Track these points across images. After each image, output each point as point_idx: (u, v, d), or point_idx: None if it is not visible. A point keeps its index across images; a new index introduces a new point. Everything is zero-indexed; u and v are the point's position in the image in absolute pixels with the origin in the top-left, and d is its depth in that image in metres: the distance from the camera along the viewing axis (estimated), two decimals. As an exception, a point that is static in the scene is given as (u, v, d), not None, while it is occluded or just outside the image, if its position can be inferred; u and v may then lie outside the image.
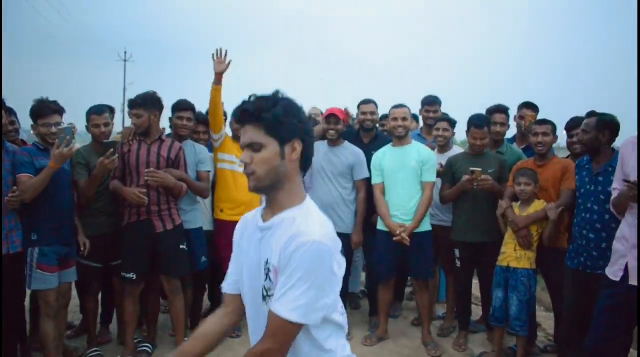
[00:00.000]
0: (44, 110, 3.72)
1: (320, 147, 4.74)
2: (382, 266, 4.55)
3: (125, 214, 3.99)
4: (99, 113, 4.02)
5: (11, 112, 4.12)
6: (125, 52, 45.39)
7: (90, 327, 4.37)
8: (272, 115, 1.65)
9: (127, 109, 4.78)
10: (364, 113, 4.99)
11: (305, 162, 1.76)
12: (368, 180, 4.64)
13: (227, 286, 1.91)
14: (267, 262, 1.68)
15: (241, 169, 4.47)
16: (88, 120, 4.06)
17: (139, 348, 4.27)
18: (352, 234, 4.65)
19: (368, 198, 4.64)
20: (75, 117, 4.32)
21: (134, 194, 3.88)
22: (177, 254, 4.08)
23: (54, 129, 3.63)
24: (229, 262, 4.05)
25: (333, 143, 4.69)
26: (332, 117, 4.62)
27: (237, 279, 1.86)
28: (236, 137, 4.65)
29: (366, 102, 5.02)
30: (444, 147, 4.88)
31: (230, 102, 4.56)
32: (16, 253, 3.61)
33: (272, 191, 1.72)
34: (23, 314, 4.09)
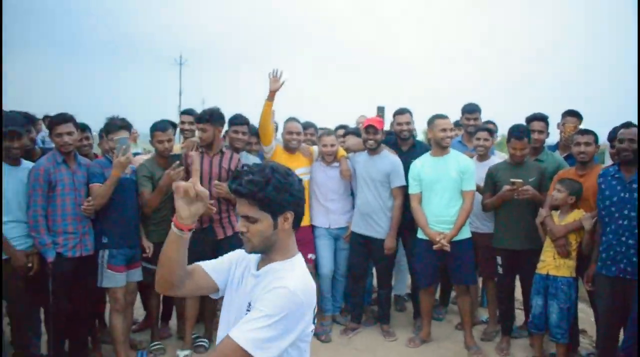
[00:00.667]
0: (112, 126, 4.11)
1: (361, 156, 4.97)
2: (422, 273, 4.73)
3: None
4: (163, 130, 4.37)
5: (85, 128, 4.52)
6: (181, 56, 46.62)
7: (152, 323, 4.76)
8: (265, 196, 1.79)
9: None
10: (399, 123, 5.13)
11: (297, 223, 1.92)
12: (404, 188, 4.79)
13: (205, 266, 2.03)
14: (249, 305, 1.84)
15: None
16: (152, 136, 4.41)
17: (196, 343, 4.61)
18: (385, 239, 4.83)
19: (403, 206, 4.80)
20: (132, 119, 4.61)
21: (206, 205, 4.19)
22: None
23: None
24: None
25: (372, 152, 4.88)
26: (370, 127, 4.82)
27: (216, 270, 2.01)
28: (287, 148, 4.93)
29: (401, 112, 5.16)
30: (483, 156, 5.00)
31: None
32: (88, 255, 4.00)
33: (264, 252, 1.90)
34: (93, 310, 4.47)
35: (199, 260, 4.07)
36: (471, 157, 4.92)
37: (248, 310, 1.83)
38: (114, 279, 4.07)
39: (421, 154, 4.81)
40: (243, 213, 1.83)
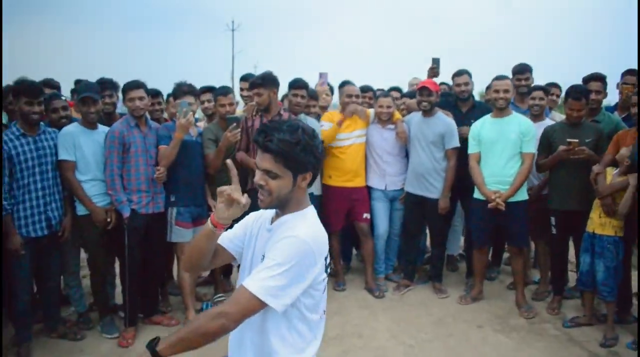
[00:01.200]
0: (179, 92, 4.37)
1: (415, 118, 5.05)
2: (477, 233, 4.84)
3: (249, 181, 4.56)
4: (225, 94, 4.60)
5: (157, 93, 4.80)
6: (233, 22, 46.85)
7: (216, 277, 5.09)
8: (293, 155, 1.82)
9: (236, 78, 5.38)
10: (458, 84, 5.20)
11: (312, 183, 1.97)
12: (458, 149, 4.87)
13: (222, 241, 2.06)
14: (262, 257, 1.89)
15: (347, 143, 4.95)
16: (215, 100, 4.64)
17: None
18: (439, 199, 4.94)
19: (457, 167, 4.89)
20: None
21: None
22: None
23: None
24: (333, 223, 4.59)
25: (426, 114, 4.94)
26: (424, 89, 4.87)
27: (232, 241, 2.07)
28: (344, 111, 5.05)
29: (459, 73, 5.22)
30: (538, 116, 4.97)
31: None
32: (160, 212, 4.30)
33: (278, 208, 1.95)
34: (163, 263, 4.80)
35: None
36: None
37: (263, 259, 1.89)
38: (181, 234, 4.37)
39: (481, 115, 4.85)
40: (265, 167, 1.85)
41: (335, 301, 4.93)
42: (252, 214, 2.11)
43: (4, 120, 4.32)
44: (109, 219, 4.11)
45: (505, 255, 5.91)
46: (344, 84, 5.30)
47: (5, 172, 3.74)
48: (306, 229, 1.87)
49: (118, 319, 4.47)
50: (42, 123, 4.00)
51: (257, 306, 1.76)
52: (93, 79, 4.62)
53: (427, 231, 5.59)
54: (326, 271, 1.97)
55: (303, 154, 1.84)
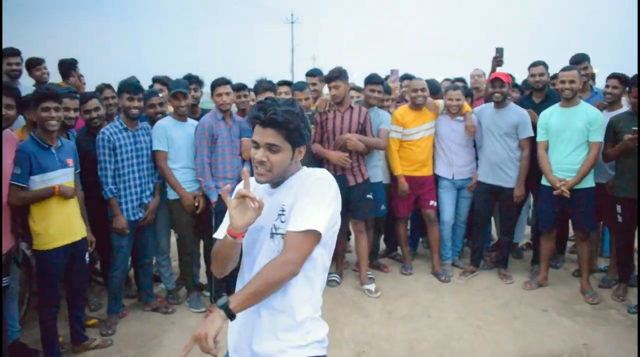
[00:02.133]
0: (259, 88, 4.74)
1: (487, 109, 5.20)
2: (543, 218, 4.96)
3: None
4: (301, 89, 4.90)
5: (243, 87, 5.19)
6: (292, 14, 47.49)
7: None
8: (295, 126, 1.91)
9: (295, 71, 5.69)
10: (532, 75, 5.28)
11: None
12: (532, 139, 4.98)
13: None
14: (282, 207, 1.96)
15: (416, 136, 5.15)
16: (292, 94, 4.95)
17: (329, 278, 5.18)
18: (514, 188, 5.08)
19: (531, 156, 5.00)
20: (245, 77, 5.25)
21: (341, 158, 4.73)
22: (364, 202, 4.91)
23: None
24: (400, 210, 4.84)
25: (498, 105, 5.08)
26: (496, 80, 5.01)
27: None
28: (413, 105, 5.27)
29: (535, 64, 5.29)
30: (613, 104, 4.99)
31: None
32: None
33: (274, 182, 2.02)
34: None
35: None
36: (601, 107, 4.96)
37: (282, 210, 1.96)
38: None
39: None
40: (268, 141, 1.91)
41: (403, 283, 5.21)
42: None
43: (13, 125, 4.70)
44: (196, 204, 4.51)
45: (570, 244, 5.99)
46: (407, 78, 5.51)
47: (112, 160, 4.20)
48: (321, 172, 2.02)
49: (203, 295, 4.88)
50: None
51: (309, 240, 1.87)
52: (152, 74, 5.07)
53: (492, 219, 5.75)
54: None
55: (302, 125, 1.94)
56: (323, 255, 2.02)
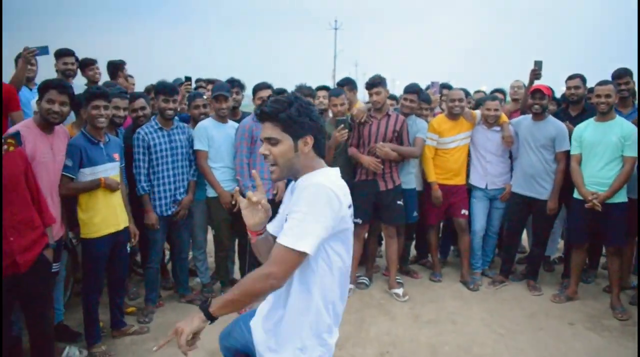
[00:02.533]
0: (301, 94, 4.87)
1: (525, 121, 5.24)
2: (575, 232, 4.98)
3: (357, 173, 5.01)
4: (337, 95, 5.05)
5: (283, 92, 5.34)
6: (336, 21, 47.94)
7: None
8: (287, 116, 1.99)
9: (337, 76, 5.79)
10: (568, 87, 5.30)
11: (320, 150, 2.11)
12: (569, 152, 4.96)
13: (273, 231, 2.25)
14: (287, 212, 2.07)
15: (451, 145, 5.23)
16: (329, 100, 5.11)
17: (358, 280, 5.33)
18: (548, 200, 5.10)
19: (567, 169, 4.99)
20: (288, 81, 5.42)
21: (372, 163, 4.87)
22: (395, 208, 5.02)
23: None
24: (431, 217, 4.95)
25: (537, 117, 5.11)
26: (537, 92, 5.05)
27: (278, 225, 2.23)
28: (450, 114, 5.36)
29: (571, 77, 5.31)
30: None
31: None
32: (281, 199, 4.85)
33: (291, 176, 2.12)
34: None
35: (363, 205, 4.73)
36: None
37: (286, 217, 2.03)
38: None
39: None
40: (266, 135, 2.04)
41: (431, 290, 5.29)
42: (335, 198, 2.04)
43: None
44: (234, 202, 4.71)
45: (603, 260, 5.95)
46: (445, 87, 5.59)
47: (145, 158, 4.44)
48: (321, 177, 2.03)
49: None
50: (176, 118, 4.67)
51: (295, 257, 1.88)
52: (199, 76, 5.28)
53: (524, 231, 5.78)
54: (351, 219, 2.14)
55: (297, 115, 2.01)
56: (331, 245, 2.04)
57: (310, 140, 2.06)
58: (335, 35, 48.51)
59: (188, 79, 5.83)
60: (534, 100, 5.07)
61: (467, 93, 6.25)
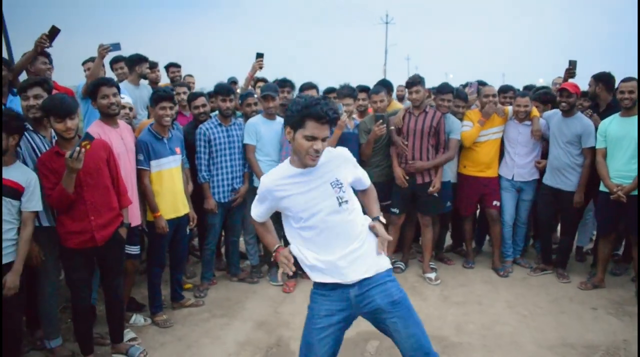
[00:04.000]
0: (340, 94, 5.32)
1: (556, 116, 5.50)
2: (602, 222, 5.23)
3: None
4: (377, 93, 5.46)
5: (332, 90, 5.88)
6: (387, 15, 47.95)
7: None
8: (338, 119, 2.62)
9: (388, 71, 6.13)
10: (621, 91, 5.35)
11: None
12: (595, 149, 5.19)
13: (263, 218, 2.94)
14: (336, 180, 2.62)
15: (483, 139, 5.54)
16: (369, 97, 5.52)
17: (394, 265, 5.73)
18: (574, 193, 5.36)
19: (593, 165, 5.23)
20: (338, 77, 5.83)
21: (400, 179, 5.37)
22: (431, 199, 5.40)
23: (345, 108, 5.15)
24: (464, 208, 5.31)
25: (566, 114, 5.37)
26: (564, 90, 5.30)
27: (269, 211, 2.84)
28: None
29: (626, 80, 5.17)
30: None
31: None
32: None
33: None
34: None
35: (401, 197, 5.14)
36: None
37: (340, 183, 2.62)
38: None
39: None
40: (325, 136, 2.48)
41: (462, 275, 5.67)
42: (263, 187, 2.69)
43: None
44: None
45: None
46: (481, 84, 5.91)
47: (206, 150, 5.00)
48: (340, 149, 2.77)
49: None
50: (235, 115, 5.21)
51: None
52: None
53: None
54: None
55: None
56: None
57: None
58: (387, 29, 48.55)
59: (233, 81, 6.35)
60: (561, 98, 5.33)
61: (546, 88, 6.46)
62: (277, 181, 2.64)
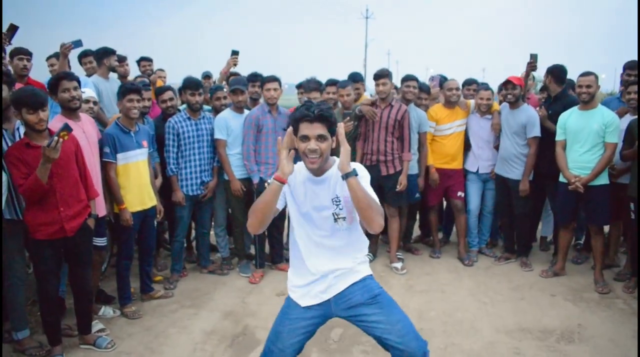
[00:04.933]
0: (307, 88, 5.39)
1: (504, 109, 5.72)
2: (560, 213, 5.40)
3: (362, 160, 5.54)
4: (344, 86, 5.57)
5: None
6: (367, 10, 48.13)
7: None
8: (334, 120, 2.51)
9: (368, 65, 6.24)
10: (579, 86, 5.55)
11: None
12: (538, 138, 5.42)
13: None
14: (337, 199, 2.57)
15: (448, 131, 5.67)
16: (338, 91, 5.61)
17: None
18: (519, 182, 5.54)
19: (536, 154, 5.45)
20: (316, 71, 5.93)
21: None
22: (397, 191, 5.52)
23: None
24: (430, 198, 5.43)
25: (512, 105, 5.56)
26: (509, 83, 5.52)
27: (280, 200, 2.57)
28: (447, 103, 5.83)
29: (584, 74, 5.32)
30: (635, 110, 5.24)
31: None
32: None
33: (321, 165, 2.52)
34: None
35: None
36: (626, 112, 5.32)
37: (336, 201, 2.57)
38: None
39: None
40: (318, 133, 2.45)
41: (428, 265, 5.82)
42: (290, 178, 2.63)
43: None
44: (244, 189, 5.30)
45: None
46: (445, 79, 6.06)
47: (174, 144, 5.06)
48: (360, 168, 2.59)
49: (251, 264, 5.68)
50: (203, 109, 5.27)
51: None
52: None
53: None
54: None
55: (335, 119, 2.52)
56: None
57: (334, 140, 2.55)
58: (367, 24, 48.81)
59: (207, 75, 6.43)
60: (506, 90, 5.55)
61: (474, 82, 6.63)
62: (293, 181, 2.65)
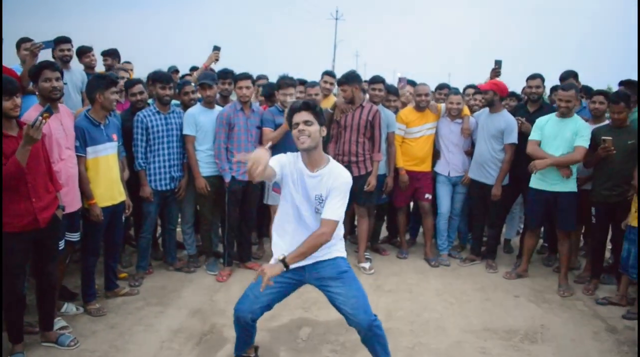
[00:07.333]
0: (282, 84, 5.33)
1: (484, 113, 5.81)
2: (530, 217, 5.52)
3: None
4: (313, 86, 5.58)
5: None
6: (337, 11, 48.43)
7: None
8: (319, 109, 3.07)
9: (337, 66, 6.28)
10: (529, 86, 5.81)
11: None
12: (515, 145, 5.49)
13: (272, 163, 2.99)
14: (319, 196, 3.09)
15: (418, 134, 5.76)
16: (305, 91, 5.62)
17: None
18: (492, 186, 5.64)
19: (511, 161, 5.53)
20: (294, 70, 5.94)
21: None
22: (366, 191, 5.53)
23: (289, 99, 5.21)
24: (399, 200, 5.50)
25: (492, 109, 5.65)
26: (478, 92, 5.69)
27: (275, 166, 3.02)
28: (417, 107, 5.90)
29: (533, 77, 5.81)
30: (599, 118, 5.45)
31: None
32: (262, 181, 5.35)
33: (313, 150, 3.04)
34: (255, 220, 5.90)
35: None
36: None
37: (319, 199, 3.11)
38: (275, 198, 5.39)
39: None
40: (304, 119, 2.99)
41: (396, 265, 5.87)
42: (283, 157, 3.15)
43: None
44: (209, 188, 5.25)
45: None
46: (410, 83, 6.16)
47: (143, 138, 4.98)
48: (346, 173, 3.14)
49: (218, 262, 5.64)
50: (173, 104, 5.19)
51: (337, 224, 3.09)
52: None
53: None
54: None
55: (320, 111, 3.08)
56: None
57: (324, 130, 3.12)
58: (336, 25, 49.04)
59: (175, 69, 6.35)
60: (474, 100, 5.86)
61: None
62: (291, 165, 3.15)
